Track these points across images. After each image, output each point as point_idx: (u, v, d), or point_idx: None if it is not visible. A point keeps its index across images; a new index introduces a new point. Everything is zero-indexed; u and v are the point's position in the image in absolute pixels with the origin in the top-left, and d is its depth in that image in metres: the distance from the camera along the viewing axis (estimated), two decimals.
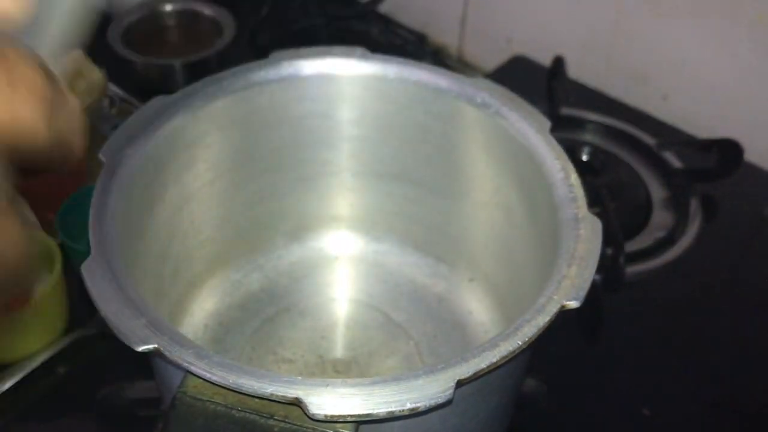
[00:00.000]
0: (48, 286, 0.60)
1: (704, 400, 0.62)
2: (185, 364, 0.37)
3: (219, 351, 0.59)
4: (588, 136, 0.87)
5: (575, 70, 0.90)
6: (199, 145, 0.55)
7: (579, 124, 0.87)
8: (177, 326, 0.58)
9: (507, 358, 0.38)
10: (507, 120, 0.52)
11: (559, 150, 0.49)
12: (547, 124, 0.51)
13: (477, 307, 0.63)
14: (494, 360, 0.37)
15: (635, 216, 0.78)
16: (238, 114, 0.56)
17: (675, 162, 0.82)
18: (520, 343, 0.38)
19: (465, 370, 0.37)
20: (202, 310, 0.61)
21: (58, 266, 0.61)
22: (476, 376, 0.37)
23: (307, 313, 0.63)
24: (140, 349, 0.37)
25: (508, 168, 0.54)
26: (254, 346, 0.60)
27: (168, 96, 0.52)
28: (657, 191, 0.80)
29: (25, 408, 0.59)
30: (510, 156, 0.53)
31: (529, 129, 0.51)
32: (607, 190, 0.75)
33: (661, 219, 0.78)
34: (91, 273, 0.40)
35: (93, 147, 0.78)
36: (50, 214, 0.70)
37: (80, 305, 0.66)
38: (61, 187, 0.70)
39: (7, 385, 0.59)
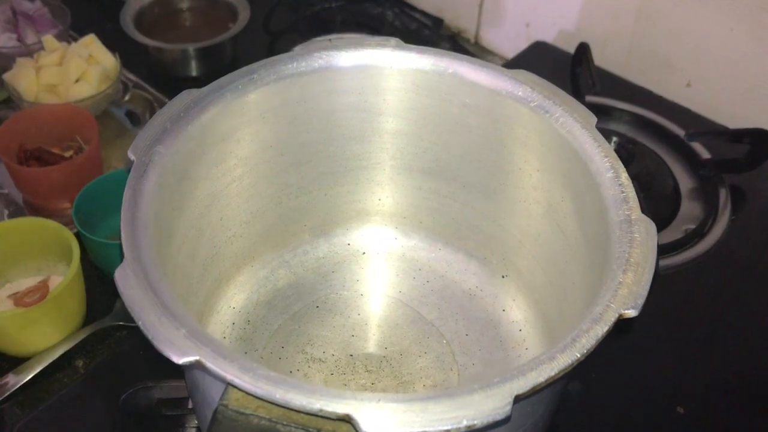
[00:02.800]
0: (66, 279, 0.59)
1: (738, 397, 0.61)
2: (229, 378, 0.35)
3: (247, 350, 0.58)
4: (615, 126, 0.85)
5: (596, 57, 0.89)
6: (229, 140, 0.53)
7: (605, 112, 0.86)
8: (205, 326, 0.57)
9: (565, 371, 0.36)
10: (550, 115, 0.50)
11: (608, 147, 0.47)
12: (593, 119, 0.49)
13: (510, 305, 0.61)
14: (552, 374, 0.36)
15: (664, 207, 0.76)
16: (268, 107, 0.54)
17: (703, 152, 0.81)
18: (578, 355, 0.36)
19: (522, 385, 0.35)
20: (229, 308, 0.60)
21: (76, 258, 0.60)
22: (534, 391, 0.35)
23: (336, 310, 0.61)
24: (181, 361, 0.35)
25: (550, 165, 0.52)
26: (283, 345, 0.58)
27: (197, 90, 0.50)
28: (685, 182, 0.79)
29: (46, 402, 0.58)
30: (552, 152, 0.51)
31: (575, 124, 0.49)
32: (635, 181, 0.73)
33: (690, 210, 0.76)
34: (125, 280, 0.38)
35: (106, 134, 0.77)
36: (67, 203, 0.70)
37: (98, 297, 0.65)
38: (77, 177, 0.69)
39: (26, 378, 0.59)
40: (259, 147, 0.56)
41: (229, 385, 0.35)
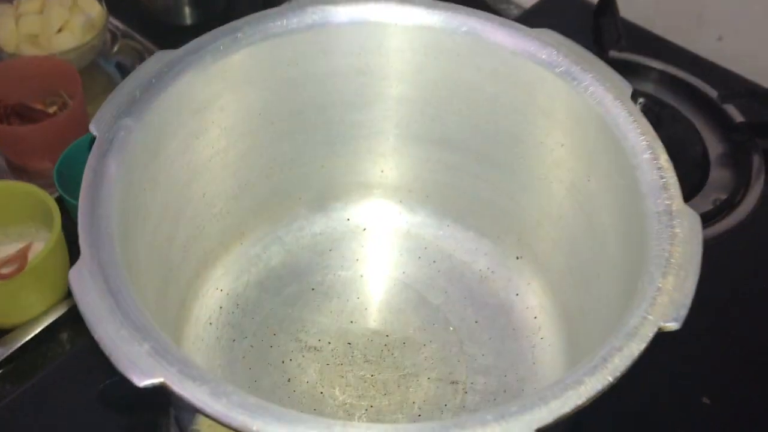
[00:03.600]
0: (45, 249, 0.56)
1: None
2: (198, 405, 0.30)
3: (236, 337, 0.53)
4: (640, 85, 0.80)
5: (622, 8, 0.83)
6: (210, 108, 0.47)
7: (631, 70, 0.80)
8: (189, 310, 0.53)
9: (594, 398, 0.31)
10: (578, 82, 0.44)
11: (645, 123, 0.41)
12: (628, 89, 0.43)
13: (525, 289, 0.56)
14: (579, 402, 0.31)
15: (691, 175, 0.72)
16: (255, 71, 0.48)
17: (736, 114, 0.76)
18: (610, 379, 0.31)
19: (545, 416, 0.30)
20: (216, 291, 0.55)
21: (57, 225, 0.57)
22: (557, 422, 0.30)
23: (334, 293, 0.57)
24: (143, 384, 0.30)
25: (576, 140, 0.46)
26: (275, 332, 0.54)
27: (171, 51, 0.44)
28: (715, 147, 0.75)
29: (33, 377, 0.55)
30: (579, 126, 0.45)
31: (606, 95, 0.43)
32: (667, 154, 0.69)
33: (720, 179, 0.72)
34: (80, 283, 0.33)
35: (94, 89, 0.73)
36: (48, 164, 0.66)
37: None
38: (59, 135, 0.66)
39: (7, 352, 0.57)
40: (245, 115, 0.50)
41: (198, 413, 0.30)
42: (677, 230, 0.37)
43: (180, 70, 0.44)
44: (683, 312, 0.34)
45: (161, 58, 0.43)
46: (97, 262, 0.34)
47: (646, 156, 0.40)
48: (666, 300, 0.34)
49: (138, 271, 0.40)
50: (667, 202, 0.38)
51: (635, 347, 0.33)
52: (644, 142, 0.40)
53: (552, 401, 0.31)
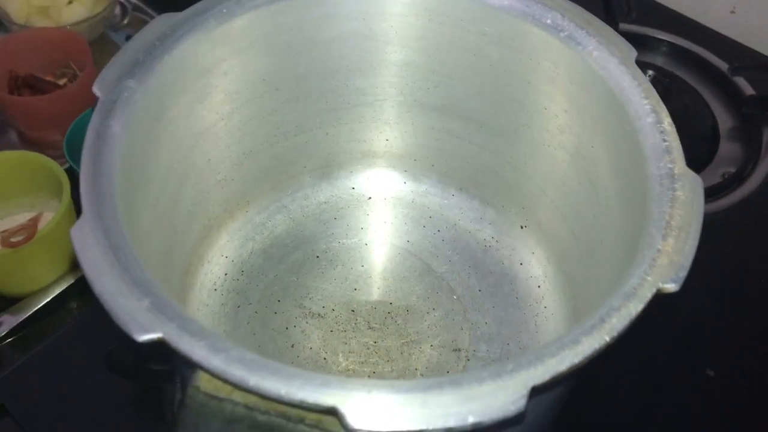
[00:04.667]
0: (54, 218, 0.56)
1: None
2: (196, 359, 0.30)
3: (240, 303, 0.54)
4: (651, 57, 0.80)
5: None
6: (214, 72, 0.47)
7: (641, 42, 0.80)
8: (194, 276, 0.53)
9: (591, 357, 0.31)
10: (583, 47, 0.44)
11: (649, 87, 0.41)
12: (633, 53, 0.42)
13: (528, 258, 0.56)
14: (576, 361, 0.30)
15: (700, 149, 0.72)
16: (259, 35, 0.48)
17: (747, 88, 0.75)
18: (607, 339, 0.31)
19: (541, 374, 0.30)
20: (221, 258, 0.55)
21: (66, 195, 0.57)
22: (554, 382, 0.30)
23: (338, 260, 0.57)
24: (142, 338, 0.31)
25: (580, 105, 0.46)
26: (279, 298, 0.54)
27: (175, 14, 0.44)
28: (725, 120, 0.74)
29: (41, 344, 0.56)
30: (583, 90, 0.45)
31: (611, 59, 0.42)
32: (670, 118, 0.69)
33: (729, 152, 0.72)
34: (82, 239, 0.33)
35: (103, 61, 0.73)
36: (59, 135, 0.66)
37: None
38: (69, 106, 0.66)
39: (17, 321, 0.57)
40: (249, 80, 0.50)
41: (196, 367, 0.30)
42: (678, 193, 0.36)
43: (183, 34, 0.43)
44: (682, 274, 0.33)
45: (165, 20, 0.43)
46: (98, 220, 0.34)
47: (650, 120, 0.40)
48: (666, 261, 0.34)
49: (140, 234, 0.40)
50: (669, 166, 0.38)
51: (633, 308, 0.32)
52: (648, 106, 0.40)
53: (548, 360, 0.31)
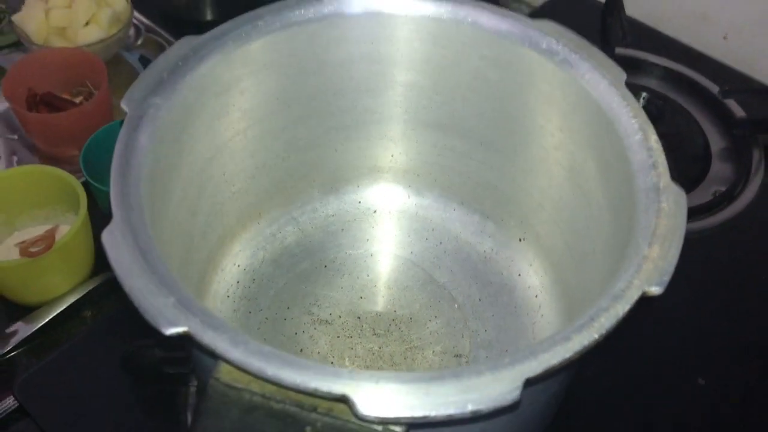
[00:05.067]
0: (72, 229, 0.58)
1: (763, 370, 0.58)
2: (219, 351, 0.33)
3: (252, 309, 0.56)
4: (645, 80, 0.82)
5: (629, 7, 0.85)
6: (231, 91, 0.50)
7: (635, 66, 0.82)
8: (208, 284, 0.55)
9: (581, 353, 0.33)
10: (576, 69, 0.47)
11: (637, 107, 0.43)
12: (623, 75, 0.45)
13: (526, 270, 0.58)
14: (567, 355, 0.33)
15: (693, 168, 0.73)
16: (274, 57, 0.51)
17: (738, 110, 0.77)
18: (596, 336, 0.34)
19: (534, 367, 0.33)
20: (234, 266, 0.58)
21: (83, 208, 0.59)
22: (546, 375, 0.33)
23: (345, 270, 0.59)
24: (169, 332, 0.33)
25: (574, 124, 0.48)
26: (289, 305, 0.57)
27: (197, 37, 0.47)
28: (717, 141, 0.76)
29: (54, 351, 0.57)
30: (576, 110, 0.47)
31: (602, 81, 0.45)
32: (664, 139, 0.70)
33: (720, 172, 0.73)
34: (112, 242, 0.36)
35: (118, 80, 0.75)
36: (75, 151, 0.68)
37: None
38: (85, 123, 0.68)
39: (35, 327, 0.58)
40: (264, 99, 0.53)
41: (218, 359, 0.33)
42: (663, 205, 0.39)
43: (204, 55, 0.46)
44: (666, 278, 0.36)
45: (187, 42, 0.46)
46: (128, 224, 0.37)
47: (638, 137, 0.42)
48: (651, 267, 0.37)
49: (163, 240, 0.42)
50: (655, 180, 0.40)
51: (620, 308, 0.35)
52: (635, 125, 0.43)
53: (542, 354, 0.33)
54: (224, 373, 0.34)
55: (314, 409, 0.33)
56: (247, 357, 0.33)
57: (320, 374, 0.32)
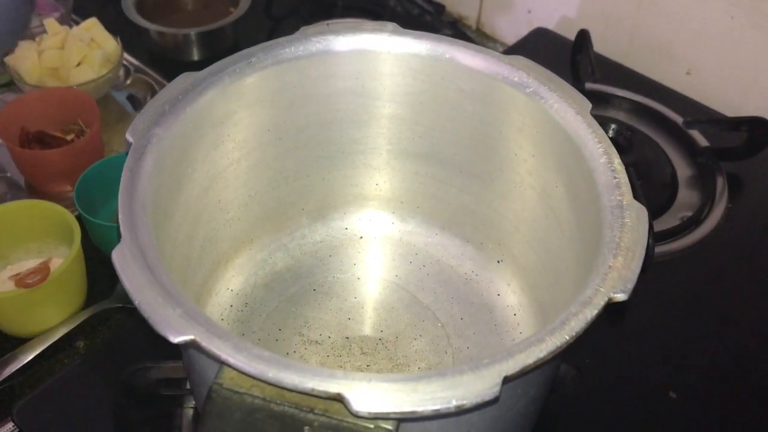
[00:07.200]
0: (66, 261, 0.59)
1: (731, 383, 0.61)
2: (223, 357, 0.36)
3: (245, 332, 0.58)
4: (613, 113, 0.86)
5: (598, 44, 0.89)
6: (227, 123, 0.53)
7: (604, 100, 0.86)
8: (203, 307, 0.58)
9: (554, 354, 0.37)
10: (545, 100, 0.51)
11: (602, 133, 0.47)
12: (588, 105, 0.49)
13: (505, 290, 0.61)
14: (541, 355, 0.36)
15: (661, 195, 0.77)
16: (266, 91, 0.54)
17: (701, 140, 0.81)
18: (567, 338, 0.37)
19: (512, 366, 0.36)
20: (227, 291, 0.60)
21: (76, 240, 0.60)
22: (523, 372, 0.36)
23: (333, 293, 0.62)
24: (176, 340, 0.36)
25: (545, 150, 0.52)
26: (280, 327, 0.59)
27: (195, 73, 0.50)
28: (683, 169, 0.79)
29: (47, 382, 0.58)
30: (547, 138, 0.51)
31: (569, 110, 0.49)
32: (633, 168, 0.73)
33: (687, 198, 0.77)
34: (122, 260, 0.39)
35: (108, 118, 0.77)
36: (68, 187, 0.70)
37: (99, 279, 0.66)
38: (78, 160, 0.69)
39: (27, 359, 0.59)
40: (257, 131, 0.56)
41: (223, 364, 0.36)
42: (627, 220, 0.43)
43: (202, 89, 0.50)
44: (630, 285, 0.39)
45: (186, 78, 0.50)
46: (136, 243, 0.40)
47: (602, 160, 0.46)
48: (616, 276, 0.40)
49: (165, 261, 0.45)
50: (619, 198, 0.44)
51: (589, 313, 0.38)
52: (600, 149, 0.47)
53: (518, 354, 0.37)
54: (227, 378, 0.37)
55: (312, 410, 0.36)
56: (250, 361, 0.36)
57: (317, 375, 0.35)
